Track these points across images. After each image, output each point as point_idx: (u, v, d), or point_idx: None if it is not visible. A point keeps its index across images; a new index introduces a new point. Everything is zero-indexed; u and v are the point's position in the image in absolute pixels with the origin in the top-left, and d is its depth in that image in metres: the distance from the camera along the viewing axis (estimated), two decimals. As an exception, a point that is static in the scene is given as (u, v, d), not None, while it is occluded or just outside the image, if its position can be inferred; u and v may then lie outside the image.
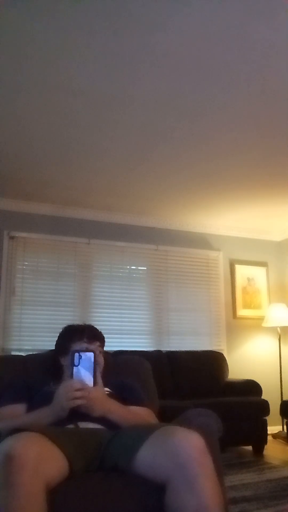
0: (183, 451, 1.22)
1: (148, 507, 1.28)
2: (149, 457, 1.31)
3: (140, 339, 4.42)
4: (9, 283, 4.06)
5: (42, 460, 1.18)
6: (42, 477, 1.16)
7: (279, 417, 4.19)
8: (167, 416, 1.84)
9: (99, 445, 1.45)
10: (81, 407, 1.51)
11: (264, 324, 4.71)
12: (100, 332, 1.95)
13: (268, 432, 3.80)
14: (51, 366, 1.95)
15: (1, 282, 4.01)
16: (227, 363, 4.34)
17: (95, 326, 1.96)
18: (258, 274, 5.08)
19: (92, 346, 1.80)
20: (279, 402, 4.16)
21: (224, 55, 2.17)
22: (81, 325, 1.95)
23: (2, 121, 2.78)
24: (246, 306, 4.96)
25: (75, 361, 1.56)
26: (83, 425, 1.55)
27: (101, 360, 1.77)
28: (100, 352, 1.84)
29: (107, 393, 1.66)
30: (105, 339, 1.97)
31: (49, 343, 2.17)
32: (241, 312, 4.91)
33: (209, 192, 3.98)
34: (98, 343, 1.86)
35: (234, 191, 3.96)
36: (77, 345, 1.79)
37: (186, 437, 1.26)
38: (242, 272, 5.01)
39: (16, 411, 1.66)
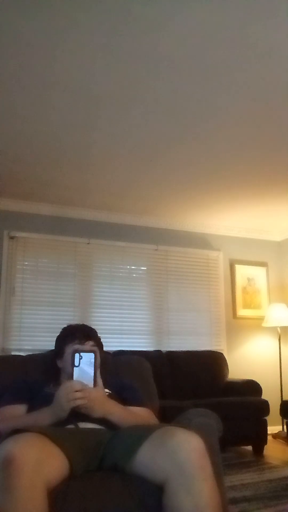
0: (182, 452, 1.22)
1: (147, 507, 1.28)
2: (148, 458, 1.31)
3: (140, 339, 4.42)
4: (9, 283, 4.06)
5: (41, 462, 1.17)
6: (42, 479, 1.15)
7: (279, 417, 4.19)
8: (167, 416, 1.84)
9: (99, 445, 1.45)
10: (81, 408, 1.50)
11: (264, 324, 4.71)
12: (94, 330, 1.91)
13: (268, 432, 3.80)
14: (50, 368, 1.94)
15: (1, 282, 4.01)
16: (227, 363, 4.35)
17: (92, 326, 1.93)
18: (258, 274, 5.08)
19: (86, 347, 1.77)
20: (279, 402, 4.17)
21: (224, 55, 2.17)
22: (73, 325, 1.91)
23: (2, 121, 2.78)
24: (246, 306, 4.96)
25: (75, 361, 1.55)
26: (83, 425, 1.54)
27: (97, 359, 1.76)
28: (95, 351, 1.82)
29: (107, 394, 1.66)
30: (105, 339, 1.96)
31: (49, 343, 2.17)
32: (241, 312, 4.91)
33: (209, 192, 3.98)
34: (91, 343, 1.82)
35: (234, 191, 3.96)
36: (69, 347, 1.77)
37: (186, 439, 1.26)
38: (242, 272, 5.01)
39: (16, 412, 1.66)
